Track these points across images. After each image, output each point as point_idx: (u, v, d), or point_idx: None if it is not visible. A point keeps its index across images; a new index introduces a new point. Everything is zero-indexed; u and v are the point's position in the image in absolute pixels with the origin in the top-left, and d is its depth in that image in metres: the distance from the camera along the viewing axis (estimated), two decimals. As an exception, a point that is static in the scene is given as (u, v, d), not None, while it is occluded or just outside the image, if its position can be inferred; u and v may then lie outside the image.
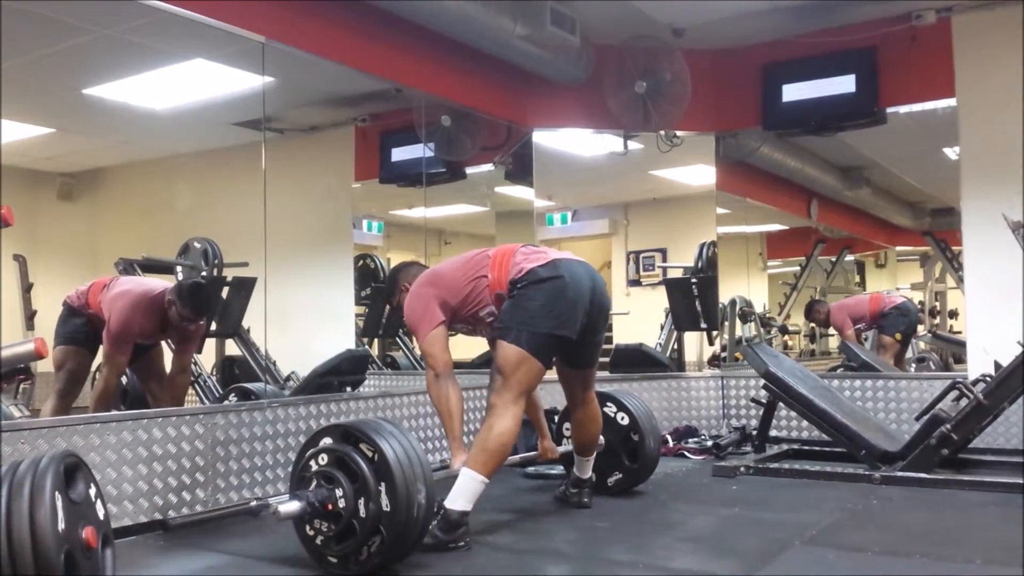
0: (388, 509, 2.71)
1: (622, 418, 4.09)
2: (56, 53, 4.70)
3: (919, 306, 7.49)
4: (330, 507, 2.76)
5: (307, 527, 2.84)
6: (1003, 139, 5.03)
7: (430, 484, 2.82)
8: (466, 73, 5.38)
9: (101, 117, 5.72)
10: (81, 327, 4.26)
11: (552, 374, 3.79)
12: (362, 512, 2.73)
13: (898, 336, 6.71)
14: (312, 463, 2.85)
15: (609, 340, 7.37)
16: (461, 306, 3.43)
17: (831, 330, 8.09)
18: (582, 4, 5.14)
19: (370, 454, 2.76)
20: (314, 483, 2.82)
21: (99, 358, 4.27)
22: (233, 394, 4.99)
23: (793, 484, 4.30)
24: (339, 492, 2.76)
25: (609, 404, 4.09)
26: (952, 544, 3.11)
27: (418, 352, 6.20)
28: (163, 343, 4.46)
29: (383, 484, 2.73)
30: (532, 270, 3.33)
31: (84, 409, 4.17)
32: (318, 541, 2.83)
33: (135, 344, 4.27)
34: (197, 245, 5.26)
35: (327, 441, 2.88)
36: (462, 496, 3.12)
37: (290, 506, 2.77)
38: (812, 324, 7.80)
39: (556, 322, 3.29)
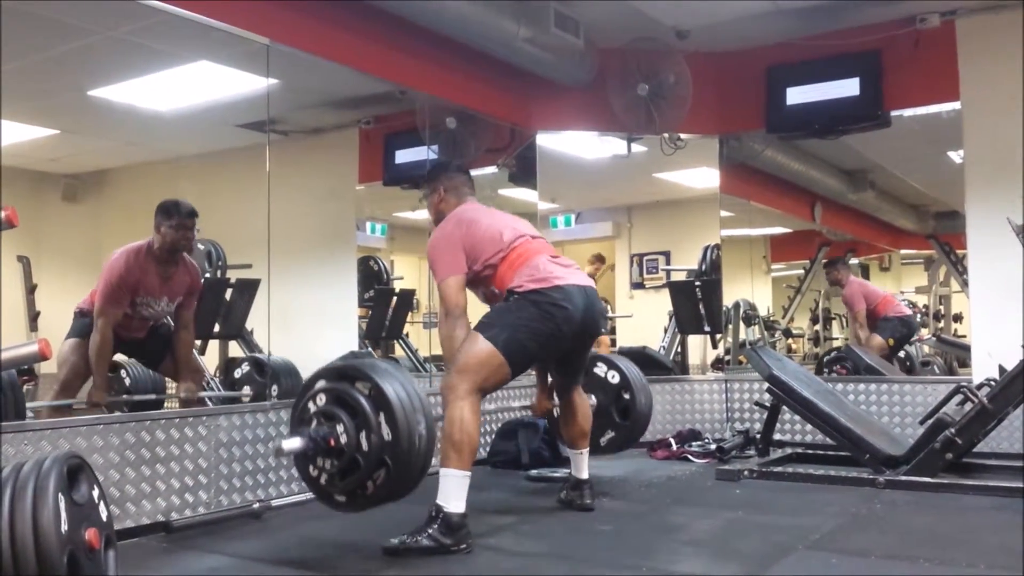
0: (390, 439, 2.71)
1: (612, 376, 4.12)
2: (61, 55, 4.71)
3: (923, 309, 7.48)
4: (332, 443, 2.76)
5: (311, 467, 2.84)
6: (1007, 142, 5.02)
7: (429, 415, 2.84)
8: (470, 76, 5.38)
9: (106, 119, 5.73)
10: (88, 325, 4.27)
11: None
12: (364, 445, 2.74)
13: (890, 341, 6.70)
14: (310, 405, 2.86)
15: (612, 343, 7.40)
16: (473, 271, 3.46)
17: (835, 333, 8.09)
18: (586, 7, 5.14)
19: (367, 390, 2.77)
20: (314, 423, 2.82)
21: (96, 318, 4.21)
22: (246, 363, 4.96)
23: (797, 488, 4.29)
24: (340, 428, 2.76)
25: (600, 364, 4.13)
26: (956, 549, 3.11)
27: (421, 355, 6.23)
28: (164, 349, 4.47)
29: (382, 415, 2.74)
30: (536, 290, 3.34)
31: (84, 407, 4.17)
32: (323, 480, 2.84)
33: (148, 346, 4.29)
34: (201, 247, 5.26)
35: (322, 383, 2.88)
36: (452, 496, 3.11)
37: (292, 442, 2.77)
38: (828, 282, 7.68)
39: (537, 344, 3.33)
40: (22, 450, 3.04)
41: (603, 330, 3.74)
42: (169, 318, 4.41)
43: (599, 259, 8.46)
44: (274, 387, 4.40)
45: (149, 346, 4.41)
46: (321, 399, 2.84)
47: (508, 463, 4.89)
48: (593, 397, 3.98)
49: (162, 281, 4.25)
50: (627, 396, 4.07)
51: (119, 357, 4.53)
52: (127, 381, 4.79)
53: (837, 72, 5.53)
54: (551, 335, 3.35)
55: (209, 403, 4.68)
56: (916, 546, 3.15)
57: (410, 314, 6.37)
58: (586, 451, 3.85)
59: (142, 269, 4.17)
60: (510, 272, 3.41)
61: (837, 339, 8.15)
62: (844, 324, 7.87)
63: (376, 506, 2.76)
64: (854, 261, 8.10)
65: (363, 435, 2.74)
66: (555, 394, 3.90)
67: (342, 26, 4.58)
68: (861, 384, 5.46)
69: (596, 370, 4.07)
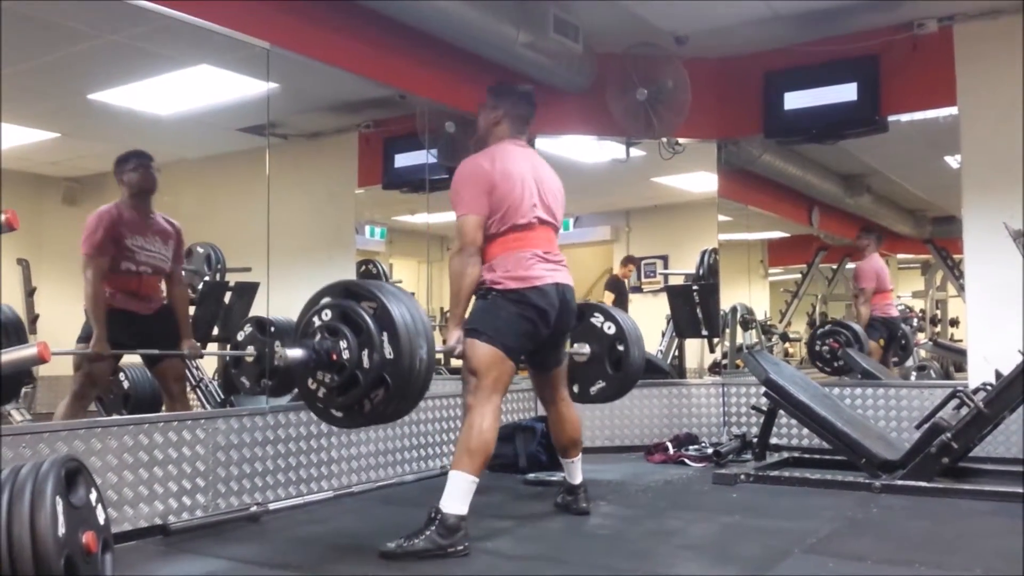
0: (391, 358, 2.74)
1: (608, 327, 4.12)
2: (62, 58, 4.72)
3: (920, 314, 7.49)
4: (334, 357, 2.78)
5: (310, 380, 2.85)
6: (1004, 148, 5.03)
7: (431, 340, 2.86)
8: (469, 80, 5.39)
9: (106, 122, 5.73)
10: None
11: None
12: (365, 363, 2.76)
13: (881, 341, 6.70)
14: (315, 319, 2.88)
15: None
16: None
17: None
18: (585, 12, 5.16)
19: (372, 309, 2.80)
20: (318, 336, 2.83)
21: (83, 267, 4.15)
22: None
23: (793, 492, 4.30)
24: (343, 344, 2.78)
25: (597, 314, 4.14)
26: (952, 553, 3.12)
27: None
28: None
29: (385, 334, 2.76)
30: (514, 289, 3.36)
31: (93, 414, 4.16)
32: (320, 394, 2.86)
33: (156, 328, 4.25)
34: (200, 250, 5.28)
35: (328, 299, 2.91)
36: (455, 498, 3.12)
37: (295, 352, 2.78)
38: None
39: (519, 341, 3.38)
40: (20, 453, 3.04)
41: (573, 326, 3.76)
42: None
43: (631, 261, 8.35)
44: (276, 344, 4.34)
45: (158, 328, 4.27)
46: (327, 314, 2.85)
47: (505, 467, 4.89)
48: (587, 346, 4.02)
49: (145, 223, 4.23)
50: (621, 348, 4.09)
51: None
52: (125, 384, 4.80)
53: (835, 77, 5.54)
54: (529, 333, 3.40)
55: (208, 407, 4.69)
56: (913, 550, 3.15)
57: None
58: (578, 459, 3.85)
59: (119, 214, 4.14)
60: (500, 252, 3.39)
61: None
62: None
63: (371, 424, 2.78)
64: (851, 265, 8.12)
65: (365, 352, 2.76)
66: (542, 403, 3.89)
67: (342, 30, 4.59)
68: (858, 388, 5.47)
69: (593, 320, 4.10)
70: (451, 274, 3.38)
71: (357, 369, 2.77)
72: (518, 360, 3.48)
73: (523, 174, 3.49)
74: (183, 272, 4.50)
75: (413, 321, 2.80)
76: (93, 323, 4.01)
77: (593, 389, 4.11)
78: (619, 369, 4.13)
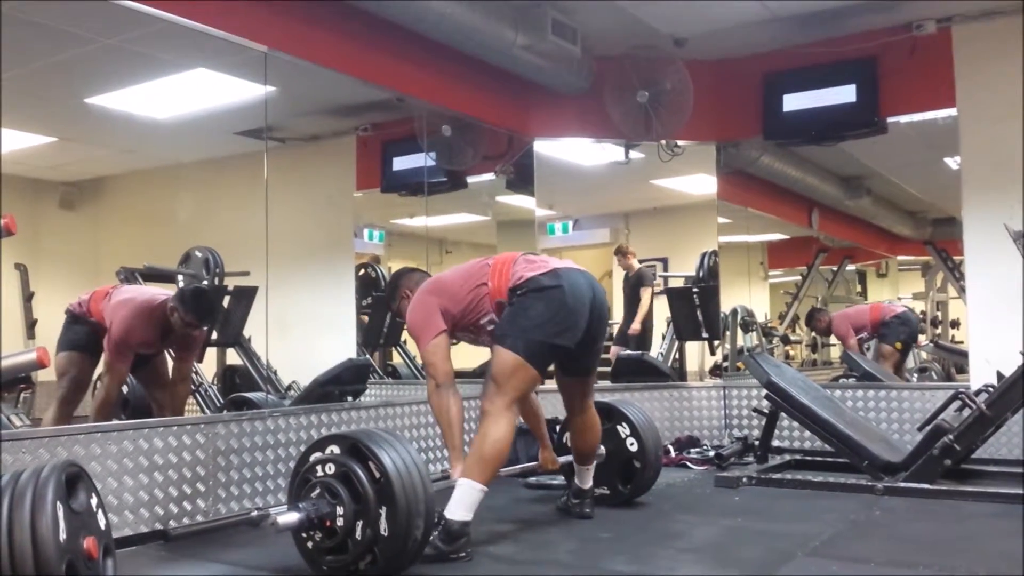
0: (386, 534, 2.70)
1: (632, 444, 4.00)
2: (59, 62, 4.71)
3: (920, 315, 7.49)
4: (328, 524, 2.75)
5: (303, 532, 2.84)
6: (1004, 149, 5.04)
7: (430, 515, 2.81)
8: (467, 83, 5.39)
9: (103, 126, 5.72)
10: (84, 334, 4.25)
11: (552, 384, 3.80)
12: (358, 535, 2.73)
13: (898, 345, 6.70)
14: (318, 468, 2.84)
15: (608, 350, 7.38)
16: (463, 315, 3.44)
17: (832, 339, 8.09)
18: (584, 14, 5.15)
19: (376, 475, 2.75)
20: (317, 490, 2.81)
21: (101, 367, 4.25)
22: (232, 404, 4.97)
23: (795, 495, 4.29)
24: (340, 510, 2.74)
25: (624, 425, 4.03)
26: (955, 555, 3.10)
27: (419, 361, 6.22)
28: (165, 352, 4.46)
29: (384, 508, 2.71)
30: (532, 278, 3.33)
31: (85, 417, 4.16)
32: (310, 546, 2.84)
33: (138, 353, 4.27)
34: (198, 254, 5.26)
35: (334, 450, 2.85)
36: (462, 506, 3.12)
37: (289, 517, 2.76)
38: (814, 333, 7.77)
39: (555, 331, 3.29)
40: (20, 458, 3.03)
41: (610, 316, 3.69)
42: None
43: (620, 252, 7.79)
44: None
45: (143, 372, 4.46)
46: (330, 468, 2.81)
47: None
48: (602, 447, 3.96)
49: (165, 337, 4.28)
50: (637, 465, 3.99)
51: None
52: (125, 389, 4.77)
53: (834, 79, 5.55)
54: (563, 319, 3.29)
55: (208, 411, 4.68)
56: (915, 553, 3.15)
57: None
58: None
59: (152, 328, 4.20)
60: (503, 279, 3.39)
61: (835, 345, 8.16)
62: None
63: None
64: (851, 267, 8.12)
65: (360, 524, 2.73)
66: (567, 411, 3.81)
67: (339, 33, 4.59)
68: (859, 390, 5.46)
69: (619, 428, 4.01)
70: (436, 412, 3.41)
71: (348, 538, 2.74)
72: (545, 365, 3.38)
73: (451, 270, 3.60)
74: (192, 365, 4.61)
75: (415, 493, 2.73)
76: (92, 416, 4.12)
77: (596, 490, 4.03)
78: (627, 485, 4.04)
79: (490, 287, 3.41)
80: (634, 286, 7.23)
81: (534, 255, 3.54)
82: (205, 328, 4.44)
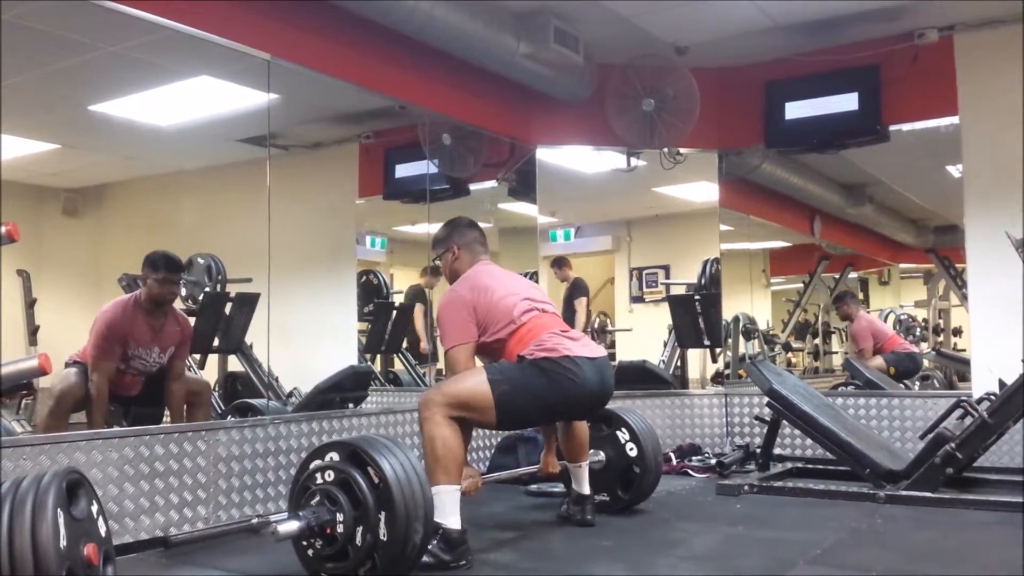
0: (385, 539, 2.70)
1: (631, 449, 4.01)
2: (62, 70, 4.72)
3: (923, 323, 7.49)
4: (328, 532, 2.76)
5: (303, 540, 2.84)
6: (1006, 157, 5.03)
7: (429, 521, 2.81)
8: (470, 91, 5.40)
9: (106, 133, 5.75)
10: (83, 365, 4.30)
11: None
12: (358, 540, 2.73)
13: (892, 370, 6.70)
14: (317, 476, 2.84)
15: (612, 357, 7.38)
16: (483, 324, 3.47)
17: (834, 347, 8.09)
18: (586, 23, 5.17)
19: (376, 480, 2.75)
20: (316, 498, 2.81)
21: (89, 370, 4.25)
22: (234, 411, 4.97)
23: (797, 503, 4.27)
24: (339, 516, 2.75)
25: (623, 431, 4.06)
26: (957, 564, 3.10)
27: (420, 369, 6.22)
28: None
29: (383, 513, 2.71)
30: (549, 358, 3.34)
31: (85, 424, 4.16)
32: (310, 553, 2.84)
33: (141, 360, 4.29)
34: (201, 261, 5.28)
35: (333, 457, 2.86)
36: (447, 513, 3.10)
37: (289, 526, 2.76)
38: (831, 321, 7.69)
39: (538, 413, 3.42)
40: (21, 465, 3.03)
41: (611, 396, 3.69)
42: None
43: (557, 263, 7.55)
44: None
45: (143, 399, 4.48)
46: (329, 476, 2.82)
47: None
48: (601, 453, 3.99)
49: (152, 332, 4.33)
50: (637, 471, 4.00)
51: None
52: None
53: (836, 87, 5.55)
54: (555, 404, 3.39)
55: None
56: (917, 561, 3.13)
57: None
58: (586, 464, 3.84)
59: (131, 319, 4.26)
60: (519, 347, 3.41)
61: (836, 352, 8.15)
62: (844, 338, 7.87)
63: None
64: (853, 275, 8.12)
65: (360, 530, 2.73)
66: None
67: (342, 41, 4.60)
68: (861, 398, 5.45)
69: (619, 434, 4.03)
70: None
71: (348, 544, 2.74)
72: (510, 425, 3.50)
73: (503, 281, 3.61)
74: (184, 368, 4.61)
75: (414, 499, 2.74)
76: (91, 423, 4.14)
77: (596, 497, 4.03)
78: (627, 491, 4.05)
79: (508, 346, 3.44)
80: (567, 298, 7.36)
81: (566, 332, 3.52)
82: (184, 290, 4.43)
